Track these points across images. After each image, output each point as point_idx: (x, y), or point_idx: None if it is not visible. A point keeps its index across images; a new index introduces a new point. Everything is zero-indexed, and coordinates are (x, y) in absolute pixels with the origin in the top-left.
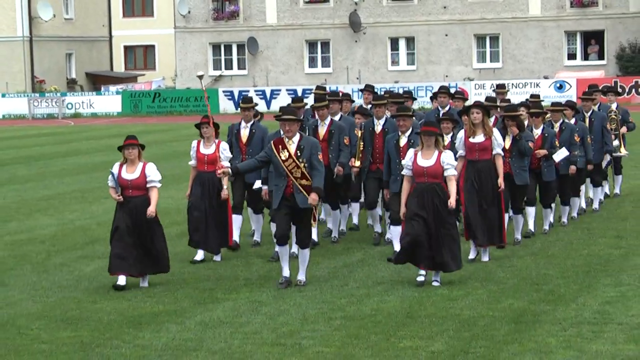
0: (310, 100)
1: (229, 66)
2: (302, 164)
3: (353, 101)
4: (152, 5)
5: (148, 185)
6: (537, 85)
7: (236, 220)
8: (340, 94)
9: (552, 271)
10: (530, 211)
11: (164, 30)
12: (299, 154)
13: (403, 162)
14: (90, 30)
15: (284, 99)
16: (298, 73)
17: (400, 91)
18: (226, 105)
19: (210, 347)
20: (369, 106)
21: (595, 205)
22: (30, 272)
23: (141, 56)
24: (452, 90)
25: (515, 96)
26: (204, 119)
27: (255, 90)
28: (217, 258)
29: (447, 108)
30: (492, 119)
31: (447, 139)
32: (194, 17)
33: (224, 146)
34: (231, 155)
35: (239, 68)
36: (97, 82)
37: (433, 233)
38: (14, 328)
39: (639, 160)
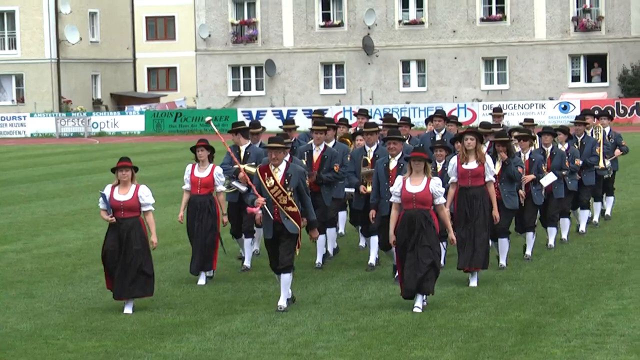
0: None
1: (247, 87)
2: (289, 193)
3: (349, 126)
4: (174, 29)
5: (143, 209)
6: (543, 106)
7: (246, 243)
8: (336, 120)
9: (557, 284)
10: (530, 236)
11: (185, 53)
12: (286, 182)
13: (391, 188)
14: (115, 52)
15: (300, 119)
16: (314, 94)
17: (411, 112)
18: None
19: (229, 356)
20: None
21: (582, 227)
22: (57, 284)
23: (163, 77)
24: (447, 113)
25: (521, 117)
26: (200, 142)
27: (273, 111)
28: (201, 281)
29: (442, 132)
30: (487, 144)
31: (440, 166)
32: (214, 40)
33: (219, 170)
34: (224, 179)
35: (257, 89)
36: (121, 102)
37: (415, 261)
38: (41, 338)
39: None
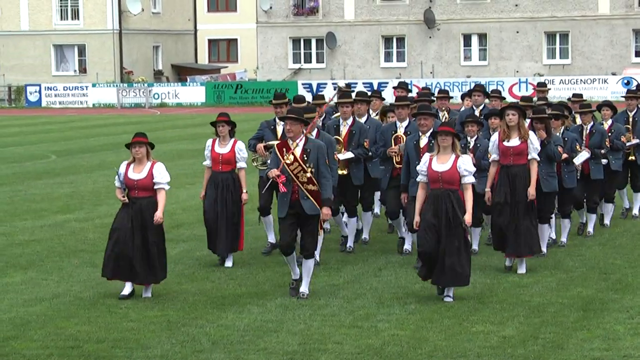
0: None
1: (307, 60)
2: (310, 169)
3: (384, 99)
4: (236, 1)
5: (155, 187)
6: (605, 81)
7: (267, 221)
8: (370, 93)
9: (619, 261)
10: (565, 223)
11: (246, 25)
12: (305, 158)
13: (417, 167)
14: (176, 24)
15: None
16: (374, 67)
17: (471, 86)
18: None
19: (290, 328)
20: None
21: (635, 210)
22: None
23: (224, 49)
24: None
25: (585, 92)
26: (221, 116)
27: (333, 83)
28: (228, 263)
29: (481, 107)
30: (527, 121)
31: (471, 142)
32: (275, 12)
33: (240, 145)
34: (247, 155)
35: (317, 62)
36: (182, 73)
37: (443, 243)
38: (104, 307)
39: None
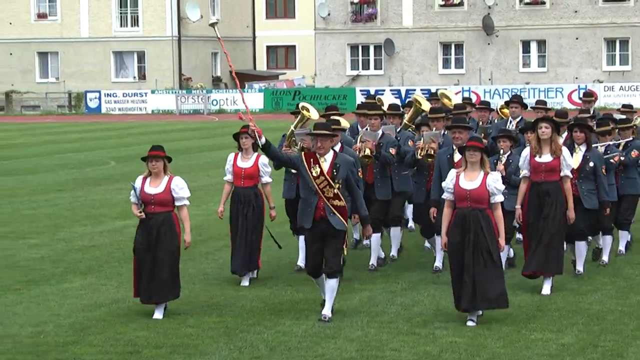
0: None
1: (366, 66)
2: (337, 185)
3: (402, 115)
4: (294, 8)
5: (177, 204)
6: None
7: (299, 243)
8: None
9: None
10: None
11: (304, 32)
12: (334, 173)
13: (443, 184)
14: (235, 30)
15: None
16: (432, 74)
17: (530, 93)
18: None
19: (347, 335)
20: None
21: None
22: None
23: (283, 56)
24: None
25: None
26: (244, 129)
27: (391, 90)
28: (245, 282)
29: (518, 119)
30: (564, 135)
31: (504, 158)
32: (333, 19)
33: (264, 160)
34: (271, 170)
35: (375, 68)
36: (240, 80)
37: (471, 266)
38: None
39: None
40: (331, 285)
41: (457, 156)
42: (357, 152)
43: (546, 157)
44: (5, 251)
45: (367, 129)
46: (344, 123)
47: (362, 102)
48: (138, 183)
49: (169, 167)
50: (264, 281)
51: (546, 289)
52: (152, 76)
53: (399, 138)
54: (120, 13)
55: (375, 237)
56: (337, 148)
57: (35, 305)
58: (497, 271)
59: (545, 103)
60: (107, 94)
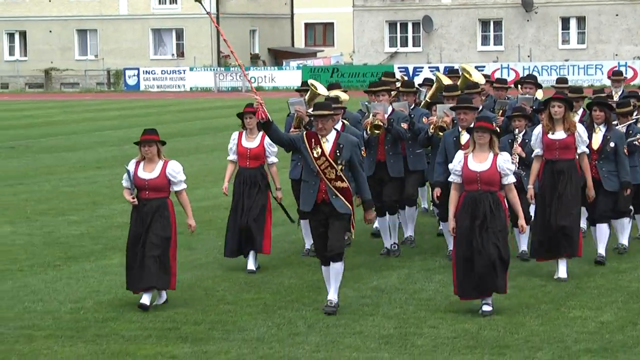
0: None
1: (404, 43)
2: (340, 167)
3: (417, 92)
4: None
5: (175, 189)
6: None
7: (305, 225)
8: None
9: None
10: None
11: (342, 9)
12: (337, 154)
13: (450, 166)
14: (273, 7)
15: None
16: (471, 51)
17: (570, 70)
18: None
19: (385, 312)
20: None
21: None
22: (216, 236)
23: (321, 33)
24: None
25: None
26: (248, 108)
27: (429, 67)
28: (251, 266)
29: (532, 99)
30: (580, 113)
31: (519, 137)
32: None
33: (270, 140)
34: (277, 150)
35: (413, 45)
36: (278, 57)
37: (479, 250)
38: (201, 289)
39: None
40: (335, 269)
41: (464, 138)
42: (367, 126)
43: (559, 134)
44: (45, 228)
45: (375, 102)
46: (344, 97)
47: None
48: (131, 167)
49: (163, 150)
50: (301, 258)
51: (562, 273)
52: (191, 53)
53: (412, 115)
54: None
55: (393, 219)
56: (339, 126)
57: (75, 281)
58: (502, 258)
59: (566, 81)
60: (146, 72)
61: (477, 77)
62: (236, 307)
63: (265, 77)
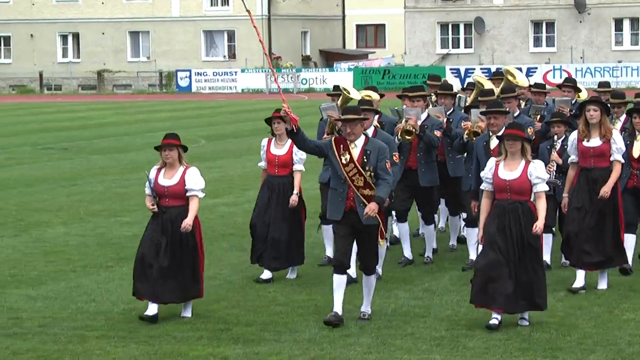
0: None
1: (455, 45)
2: (368, 173)
3: (455, 95)
4: None
5: (188, 194)
6: None
7: (327, 230)
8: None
9: None
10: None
11: (394, 10)
12: (365, 160)
13: (482, 173)
14: (324, 9)
15: None
16: (523, 52)
17: (623, 71)
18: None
19: (437, 313)
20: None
21: None
22: None
23: (372, 34)
24: None
25: None
26: (276, 113)
27: (481, 68)
28: (291, 275)
29: (573, 101)
30: (622, 119)
31: (558, 144)
32: None
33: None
34: (305, 157)
35: (465, 47)
36: (329, 58)
37: (515, 263)
38: (253, 290)
39: None
40: (369, 282)
41: (494, 143)
42: (399, 131)
43: (595, 141)
44: (98, 229)
45: (408, 107)
46: (375, 96)
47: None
48: (152, 174)
49: (185, 156)
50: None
51: (602, 284)
52: (242, 55)
53: (451, 120)
54: None
55: (429, 229)
56: (370, 131)
57: (128, 282)
58: (540, 269)
59: (574, 82)
60: (198, 73)
61: (522, 80)
62: (287, 309)
63: (316, 78)
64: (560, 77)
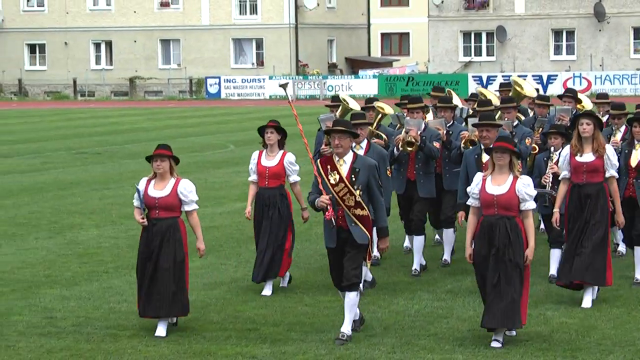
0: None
1: (478, 53)
2: (358, 192)
3: (455, 108)
4: None
5: (186, 209)
6: None
7: None
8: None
9: None
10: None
11: (418, 19)
12: (353, 179)
13: (469, 189)
14: (350, 18)
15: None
16: (543, 60)
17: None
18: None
19: (459, 314)
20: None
21: None
22: (295, 241)
23: (396, 43)
24: None
25: None
26: (271, 122)
27: (503, 76)
28: (267, 291)
29: (574, 111)
30: (622, 130)
31: (555, 156)
32: (446, 6)
33: (290, 158)
34: (298, 168)
35: (487, 55)
36: (355, 66)
37: (492, 280)
38: (280, 291)
39: None
40: (350, 299)
41: (485, 157)
42: (399, 142)
43: (588, 157)
44: (130, 231)
45: (409, 118)
46: (388, 110)
47: (404, 95)
48: (141, 185)
49: (176, 168)
50: (376, 261)
51: (587, 302)
52: (270, 62)
53: (451, 132)
54: (240, 1)
55: (418, 240)
56: (364, 144)
57: None
58: (519, 289)
59: (575, 92)
60: (227, 80)
61: (529, 90)
62: (314, 309)
63: (342, 85)
64: (580, 85)
